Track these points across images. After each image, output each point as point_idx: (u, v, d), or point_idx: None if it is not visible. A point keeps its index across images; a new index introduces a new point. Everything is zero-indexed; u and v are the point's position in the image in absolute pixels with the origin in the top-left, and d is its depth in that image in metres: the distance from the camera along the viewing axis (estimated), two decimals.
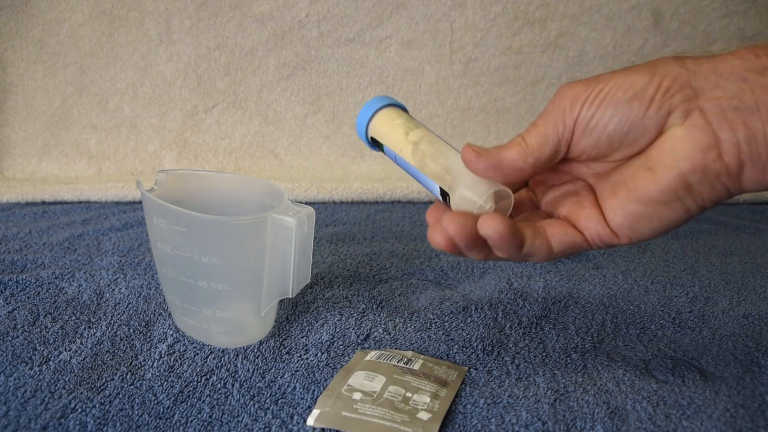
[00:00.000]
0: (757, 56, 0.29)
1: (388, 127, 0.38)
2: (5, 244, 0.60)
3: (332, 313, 0.45)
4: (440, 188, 0.35)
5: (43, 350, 0.40)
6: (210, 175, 0.45)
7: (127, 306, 0.46)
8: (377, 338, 0.42)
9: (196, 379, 0.37)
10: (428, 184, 0.37)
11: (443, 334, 0.43)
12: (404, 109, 0.39)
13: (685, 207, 0.31)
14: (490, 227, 0.32)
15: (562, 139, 0.33)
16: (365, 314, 0.45)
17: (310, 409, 0.34)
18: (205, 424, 0.33)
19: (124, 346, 0.41)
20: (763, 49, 0.30)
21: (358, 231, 0.67)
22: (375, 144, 0.40)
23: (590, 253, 0.58)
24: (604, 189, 0.35)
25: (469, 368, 0.39)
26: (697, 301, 0.49)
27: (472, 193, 0.34)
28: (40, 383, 0.36)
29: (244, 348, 0.40)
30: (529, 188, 0.39)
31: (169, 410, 0.34)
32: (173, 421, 0.33)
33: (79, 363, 0.38)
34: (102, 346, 0.40)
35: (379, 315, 0.45)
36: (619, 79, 0.31)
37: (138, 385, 0.36)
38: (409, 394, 0.35)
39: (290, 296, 0.39)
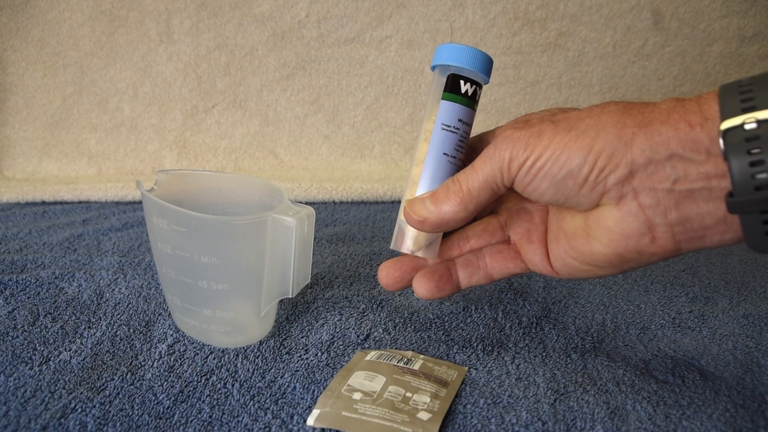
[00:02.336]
0: (691, 126, 0.28)
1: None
2: (5, 244, 0.60)
3: (332, 313, 0.45)
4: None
5: (43, 350, 0.40)
6: (210, 175, 0.45)
7: (127, 306, 0.46)
8: (377, 338, 0.42)
9: (196, 379, 0.37)
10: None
11: (443, 334, 0.43)
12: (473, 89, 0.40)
13: (622, 270, 0.33)
14: (418, 291, 0.40)
15: (501, 185, 0.34)
16: (365, 314, 0.45)
17: (310, 409, 0.34)
18: (205, 424, 0.33)
19: (124, 346, 0.41)
20: (696, 116, 0.28)
21: (358, 231, 0.67)
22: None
23: None
24: (551, 226, 0.37)
25: (469, 368, 0.39)
26: (697, 301, 0.49)
27: (411, 240, 0.38)
28: (40, 383, 0.36)
29: (244, 348, 0.40)
30: None
31: (169, 410, 0.34)
32: (173, 421, 0.33)
33: (79, 363, 0.38)
34: (102, 346, 0.40)
35: (379, 315, 0.45)
36: (557, 147, 0.31)
37: (138, 385, 0.36)
38: (409, 394, 0.35)
39: (290, 296, 0.39)
